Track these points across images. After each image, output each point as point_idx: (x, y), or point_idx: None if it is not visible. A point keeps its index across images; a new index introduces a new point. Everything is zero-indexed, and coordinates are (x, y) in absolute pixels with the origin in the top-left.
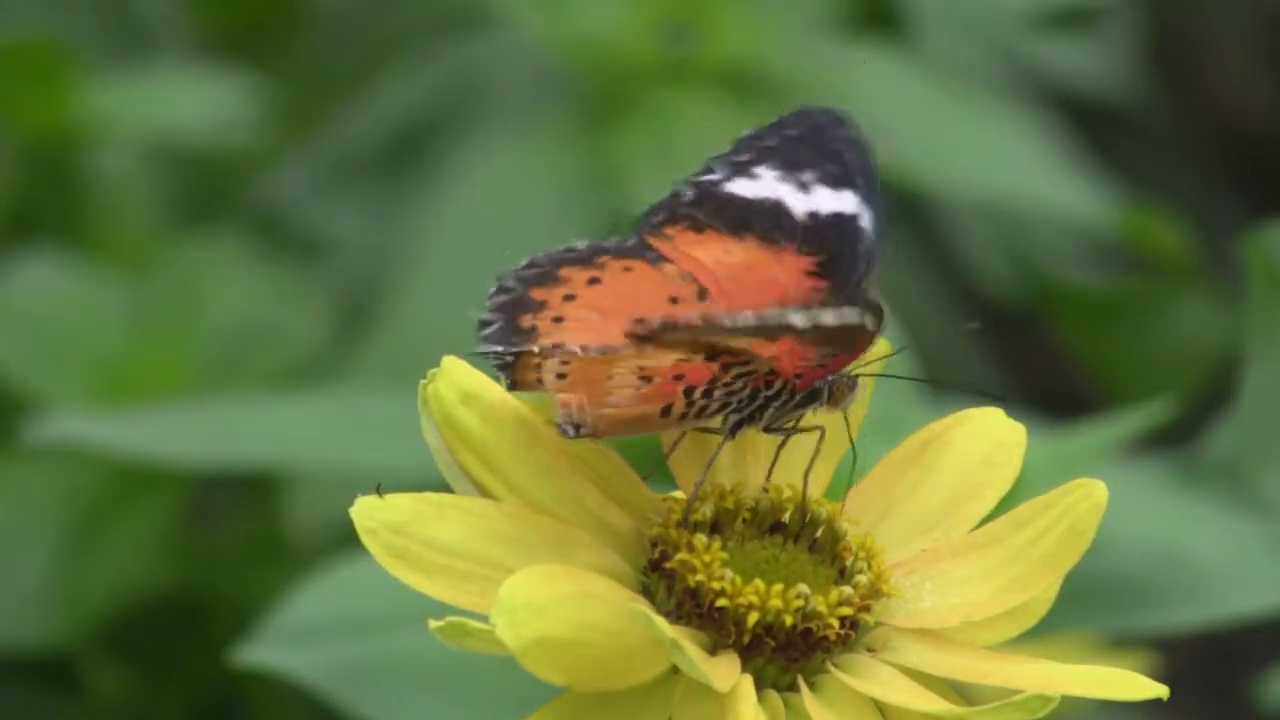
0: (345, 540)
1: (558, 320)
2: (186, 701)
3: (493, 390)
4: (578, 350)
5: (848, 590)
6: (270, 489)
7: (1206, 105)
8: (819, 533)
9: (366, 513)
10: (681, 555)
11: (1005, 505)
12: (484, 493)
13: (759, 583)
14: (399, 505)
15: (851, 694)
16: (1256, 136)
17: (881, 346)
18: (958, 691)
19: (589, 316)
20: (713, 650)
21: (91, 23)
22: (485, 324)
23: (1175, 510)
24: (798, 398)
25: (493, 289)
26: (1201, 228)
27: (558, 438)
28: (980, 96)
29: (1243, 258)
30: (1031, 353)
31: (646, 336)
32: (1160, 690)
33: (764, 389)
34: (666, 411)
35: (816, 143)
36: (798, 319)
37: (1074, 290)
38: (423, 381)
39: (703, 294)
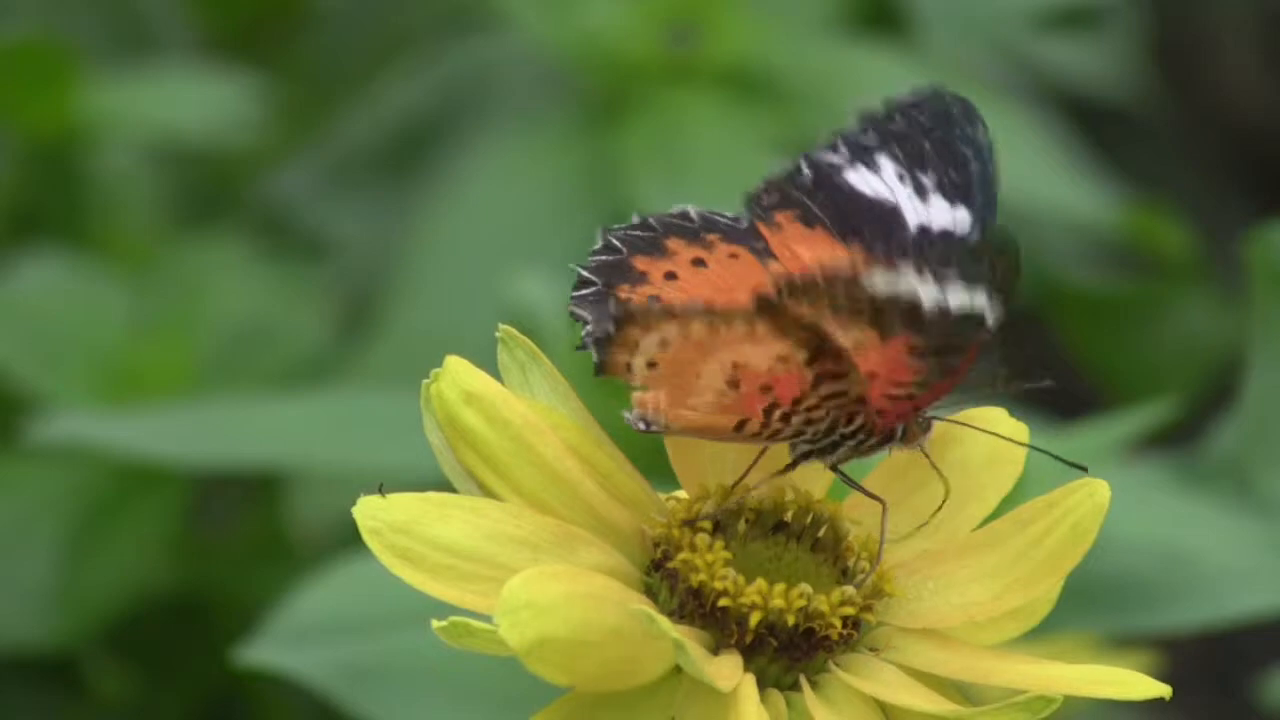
0: (348, 540)
1: (654, 300)
2: (189, 701)
3: (495, 390)
4: (695, 310)
5: (850, 590)
6: (273, 489)
7: (1208, 104)
8: (821, 532)
9: (369, 512)
10: (684, 555)
11: (1007, 505)
12: (487, 492)
13: (761, 582)
14: (402, 505)
15: (854, 693)
16: (1258, 135)
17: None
18: (960, 691)
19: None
20: (715, 650)
21: (94, 23)
22: (583, 283)
23: (1177, 510)
24: (873, 440)
25: (598, 243)
26: (1203, 227)
27: (559, 437)
28: (982, 96)
29: (1245, 257)
30: (1032, 353)
31: (769, 302)
32: (1162, 690)
33: (843, 424)
34: (740, 427)
35: (945, 139)
36: (925, 293)
37: (1076, 290)
38: (425, 381)
39: None
